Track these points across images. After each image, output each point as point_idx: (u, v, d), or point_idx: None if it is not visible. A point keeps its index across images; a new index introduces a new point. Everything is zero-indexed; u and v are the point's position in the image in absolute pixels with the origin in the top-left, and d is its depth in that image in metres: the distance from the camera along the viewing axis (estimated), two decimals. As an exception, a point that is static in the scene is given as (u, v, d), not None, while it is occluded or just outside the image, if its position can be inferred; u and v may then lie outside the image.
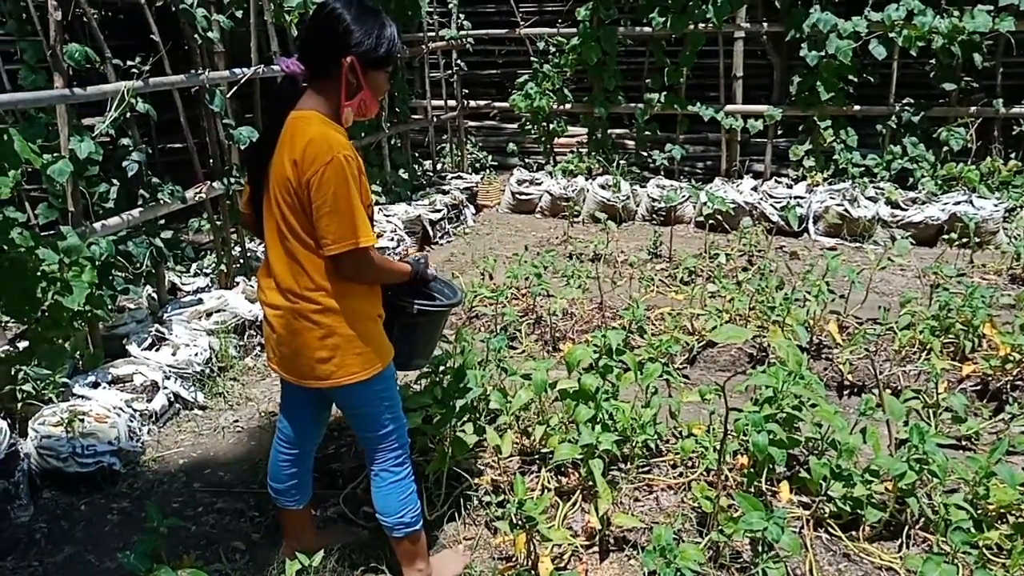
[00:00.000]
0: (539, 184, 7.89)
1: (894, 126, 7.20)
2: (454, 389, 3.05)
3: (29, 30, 4.09)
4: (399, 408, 2.47)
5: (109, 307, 4.01)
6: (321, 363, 2.25)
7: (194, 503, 3.22)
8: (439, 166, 8.77)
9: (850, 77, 7.16)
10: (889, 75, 7.18)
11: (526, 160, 9.17)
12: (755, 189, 7.12)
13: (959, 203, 6.40)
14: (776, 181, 7.35)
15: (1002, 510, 2.72)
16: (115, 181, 4.23)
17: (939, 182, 6.86)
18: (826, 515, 2.86)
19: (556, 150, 8.83)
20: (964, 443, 3.45)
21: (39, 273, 3.41)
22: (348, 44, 2.13)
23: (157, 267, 4.54)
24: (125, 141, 4.27)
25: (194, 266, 5.44)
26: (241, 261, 5.33)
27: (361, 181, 2.17)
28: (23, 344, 3.67)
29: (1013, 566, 2.42)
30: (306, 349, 2.25)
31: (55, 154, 3.65)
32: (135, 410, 3.63)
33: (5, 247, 3.23)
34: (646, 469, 3.25)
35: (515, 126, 9.27)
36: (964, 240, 5.88)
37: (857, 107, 7.31)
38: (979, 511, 2.67)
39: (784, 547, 2.42)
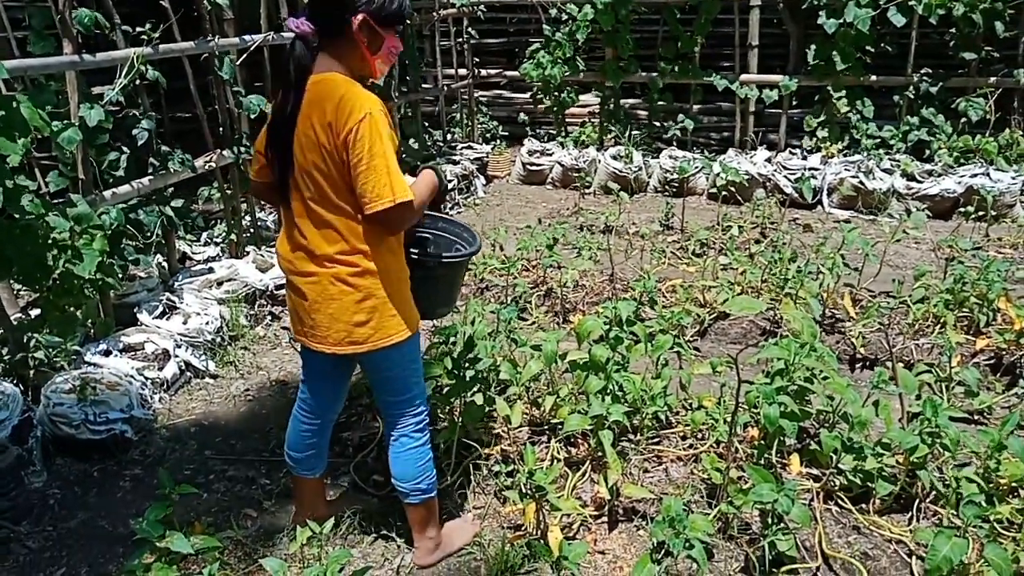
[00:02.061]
0: (550, 155, 7.83)
1: (911, 97, 7.08)
2: (464, 359, 3.04)
3: (37, -5, 4.06)
4: (422, 373, 2.49)
5: (120, 275, 4.02)
6: (359, 327, 2.24)
7: (205, 470, 3.25)
8: (449, 136, 8.71)
9: (867, 47, 7.02)
10: (907, 44, 7.05)
11: (537, 130, 9.10)
12: (769, 160, 7.04)
13: (976, 176, 6.31)
14: (790, 152, 7.27)
15: (1014, 484, 2.70)
16: (125, 149, 4.22)
17: (956, 154, 6.76)
18: (836, 488, 2.86)
19: (568, 120, 8.75)
20: (976, 417, 3.43)
21: (50, 241, 3.42)
22: (357, 1, 2.10)
23: (167, 236, 4.54)
24: (134, 110, 4.25)
25: (204, 235, 5.44)
26: (251, 231, 5.33)
27: (393, 135, 2.15)
28: (35, 312, 3.68)
29: (1024, 540, 2.41)
30: (344, 314, 2.23)
31: (64, 121, 3.63)
32: (146, 378, 3.65)
33: (16, 215, 3.23)
34: (656, 440, 3.24)
35: (526, 96, 9.18)
36: (980, 213, 5.81)
37: (874, 77, 7.19)
38: (990, 485, 2.66)
39: (794, 519, 2.41)
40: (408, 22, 2.20)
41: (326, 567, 2.12)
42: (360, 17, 2.10)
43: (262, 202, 5.85)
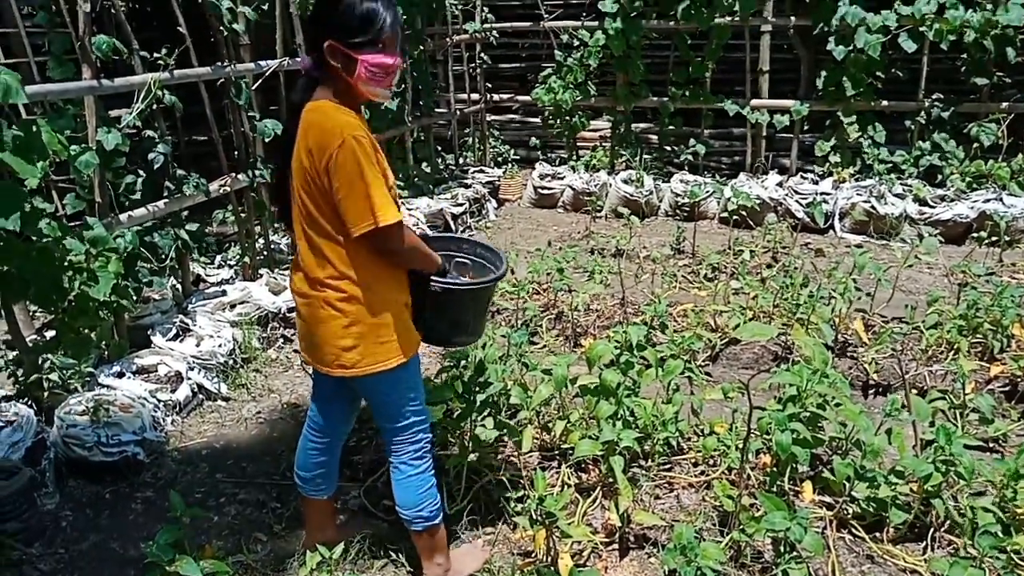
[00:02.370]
0: (561, 178, 7.86)
1: (923, 122, 7.08)
2: (474, 383, 3.05)
3: (58, 22, 4.14)
4: (422, 400, 2.46)
5: (134, 298, 4.06)
6: (345, 351, 2.26)
7: (216, 493, 3.25)
8: (461, 160, 8.77)
9: (878, 72, 7.05)
10: (918, 70, 7.06)
11: (548, 154, 9.14)
12: (780, 185, 7.04)
13: (988, 201, 6.29)
14: (802, 177, 7.27)
15: (1030, 514, 2.67)
16: (141, 173, 4.27)
17: (968, 179, 6.74)
18: (849, 516, 2.83)
19: (579, 144, 8.80)
20: (991, 445, 3.40)
21: (66, 263, 3.45)
22: (324, 28, 2.14)
23: (182, 258, 4.58)
24: (151, 133, 4.31)
25: (218, 258, 5.48)
26: (265, 253, 5.37)
27: (378, 159, 2.16)
28: (50, 333, 3.71)
29: (1041, 571, 2.38)
30: (332, 337, 2.26)
31: (82, 145, 3.69)
32: (159, 400, 3.67)
33: (33, 237, 3.27)
34: (667, 467, 3.23)
35: (538, 120, 9.24)
36: (994, 239, 5.78)
37: (885, 102, 7.20)
38: (1006, 514, 2.62)
39: (807, 547, 2.39)
40: (401, 37, 2.20)
41: (336, 593, 2.12)
42: (327, 44, 2.12)
43: (276, 225, 5.91)
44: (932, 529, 2.72)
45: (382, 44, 2.14)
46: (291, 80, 5.16)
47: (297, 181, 2.22)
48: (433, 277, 2.36)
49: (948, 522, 2.73)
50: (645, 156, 8.14)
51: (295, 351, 4.50)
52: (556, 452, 3.30)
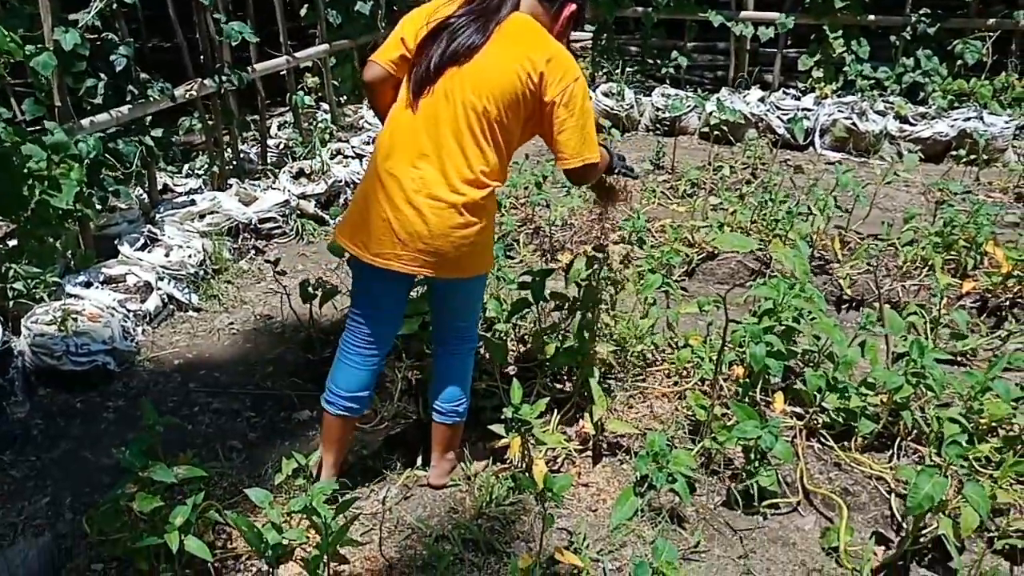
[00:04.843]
0: (540, 91, 7.67)
1: (908, 37, 6.95)
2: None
3: (5, -90, 3.86)
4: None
5: (99, 207, 3.94)
6: (472, 254, 2.31)
7: (190, 403, 3.23)
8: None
9: (866, -16, 6.87)
10: (907, -17, 6.90)
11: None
12: (762, 100, 6.93)
13: (969, 119, 6.25)
14: (784, 93, 7.16)
15: (993, 424, 2.73)
16: (103, 76, 4.08)
17: (950, 97, 6.68)
18: (819, 425, 2.88)
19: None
20: (960, 359, 3.46)
21: (26, 170, 3.32)
22: None
23: (148, 167, 4.44)
24: (112, 36, 4.09)
25: (186, 167, 5.33)
26: (234, 163, 5.22)
27: None
28: (13, 242, 3.61)
29: (1002, 477, 2.45)
30: (463, 240, 2.26)
31: (38, 46, 3.50)
32: (128, 310, 3.60)
33: (-11, 142, 3.13)
34: (641, 378, 3.25)
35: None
36: (972, 157, 5.77)
37: (872, 16, 7.04)
38: (971, 425, 2.68)
39: (777, 455, 2.44)
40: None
41: (311, 498, 2.12)
42: (572, 8, 2.26)
43: (245, 134, 5.74)
44: (899, 439, 2.79)
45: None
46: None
47: (484, 81, 2.15)
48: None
49: (915, 432, 2.79)
50: (627, 69, 7.95)
51: (267, 262, 4.42)
52: (532, 364, 3.31)
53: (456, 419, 2.59)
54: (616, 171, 2.62)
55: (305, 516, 2.17)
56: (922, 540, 2.32)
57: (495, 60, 2.16)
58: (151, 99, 4.27)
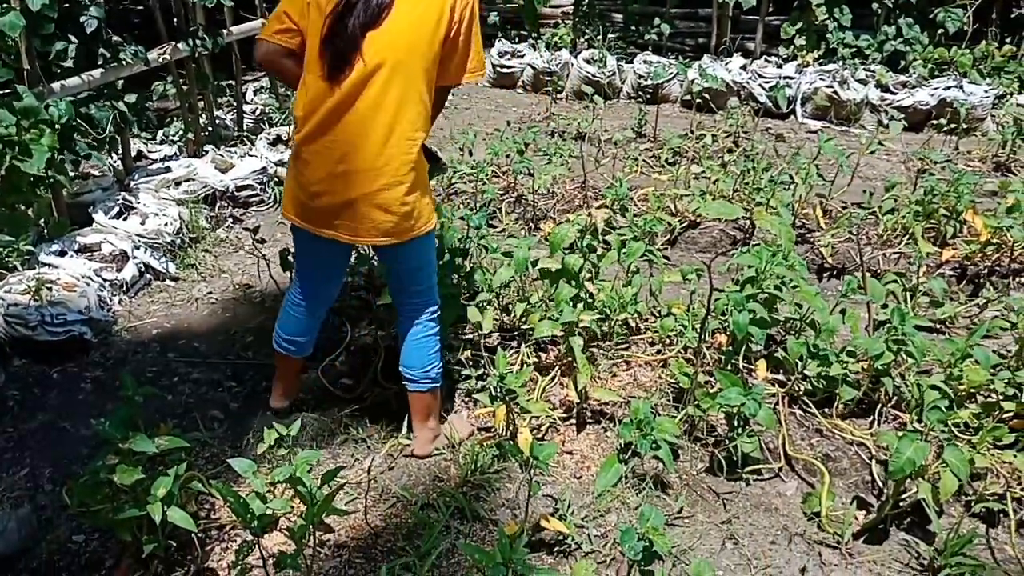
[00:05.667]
0: (521, 57, 7.59)
1: (890, 5, 6.94)
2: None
3: None
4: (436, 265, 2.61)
5: (72, 173, 3.85)
6: (408, 216, 2.31)
7: (169, 373, 3.19)
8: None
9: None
10: (890, -51, 6.86)
11: (508, 30, 8.79)
12: (744, 68, 6.90)
13: (949, 88, 6.27)
14: (766, 60, 7.13)
15: (972, 390, 2.77)
16: (73, 39, 3.96)
17: (931, 66, 6.69)
18: (800, 392, 2.91)
19: (540, 21, 8.45)
20: (938, 326, 3.49)
21: (-5, 135, 3.23)
22: None
23: (121, 133, 4.33)
24: (81, -5, 3.97)
25: (160, 133, 5.22)
26: (210, 129, 5.12)
27: None
28: (-17, 210, 3.52)
29: (980, 442, 2.49)
30: (397, 203, 2.28)
31: (4, 5, 3.38)
32: (104, 279, 3.54)
33: (-44, 105, 3.04)
34: (625, 346, 3.26)
35: (497, -6, 8.84)
36: (952, 126, 5.79)
37: (854, -17, 7.02)
38: (950, 391, 2.71)
39: (760, 421, 2.46)
40: None
41: (295, 467, 2.10)
42: None
43: (220, 99, 5.63)
44: (880, 405, 2.82)
45: None
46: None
47: (403, 39, 2.18)
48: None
49: (895, 399, 2.82)
50: (609, 35, 7.87)
51: (246, 230, 4.35)
52: (516, 333, 3.30)
53: (430, 385, 2.58)
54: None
55: (289, 485, 2.16)
56: (902, 504, 2.35)
57: (408, 13, 2.18)
58: (123, 63, 4.16)
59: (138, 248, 3.79)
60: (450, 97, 7.31)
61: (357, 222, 2.30)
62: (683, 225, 4.38)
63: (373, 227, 2.31)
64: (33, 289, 3.20)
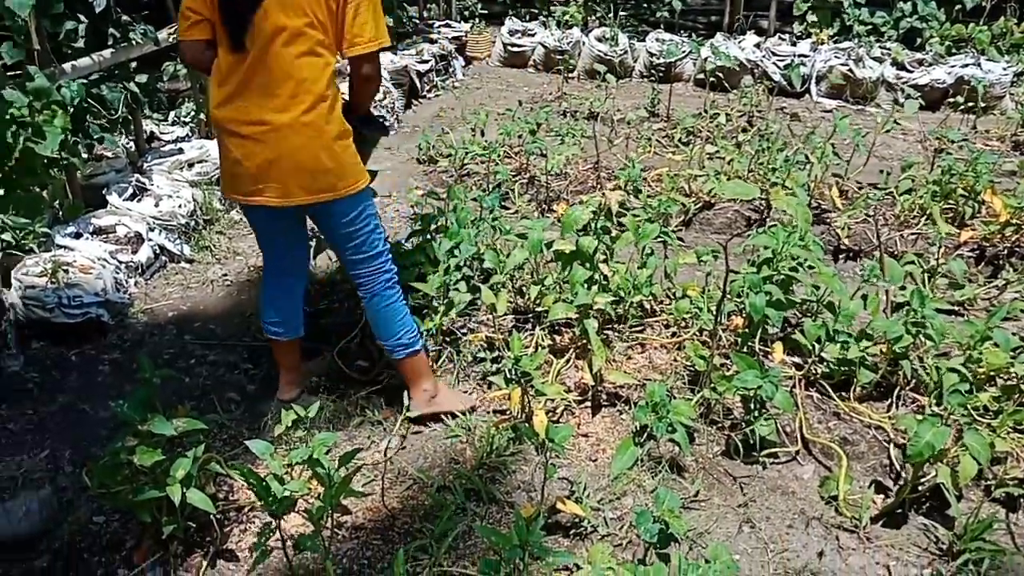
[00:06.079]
0: (532, 36, 7.52)
1: (907, -19, 6.83)
2: (447, 247, 2.99)
3: None
4: (383, 231, 2.58)
5: (85, 155, 3.85)
6: (331, 171, 2.34)
7: (186, 355, 3.20)
8: (426, 13, 8.31)
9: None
10: (908, -76, 6.74)
11: (519, 9, 8.70)
12: (758, 47, 6.82)
13: (967, 66, 6.18)
14: (780, 38, 7.04)
15: (992, 373, 2.74)
16: (83, 19, 3.95)
17: (948, 43, 6.59)
18: (818, 375, 2.89)
19: (551, -1, 8.38)
20: (957, 308, 3.46)
21: (8, 117, 3.22)
22: None
23: (133, 114, 4.32)
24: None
25: (172, 114, 5.21)
26: (222, 111, 5.09)
27: None
28: (-2, 192, 3.52)
29: (1000, 426, 2.47)
30: (310, 162, 2.30)
31: (14, -15, 3.36)
32: (120, 262, 3.54)
33: (-31, 87, 3.03)
34: (640, 329, 3.24)
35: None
36: (970, 104, 5.71)
37: (871, -41, 6.91)
38: (970, 374, 2.69)
39: (777, 404, 2.44)
40: None
41: (312, 449, 2.11)
42: None
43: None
44: (898, 388, 2.80)
45: None
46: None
47: (293, 4, 2.20)
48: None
49: (914, 382, 2.80)
50: (620, 13, 7.78)
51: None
52: (530, 315, 3.29)
53: (407, 351, 2.60)
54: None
55: (307, 467, 2.16)
56: (920, 488, 2.34)
57: None
58: (134, 43, 4.14)
59: (153, 230, 3.80)
60: (460, 76, 7.30)
61: (283, 183, 2.34)
62: (697, 206, 4.35)
63: (298, 186, 2.33)
64: (50, 271, 3.21)
